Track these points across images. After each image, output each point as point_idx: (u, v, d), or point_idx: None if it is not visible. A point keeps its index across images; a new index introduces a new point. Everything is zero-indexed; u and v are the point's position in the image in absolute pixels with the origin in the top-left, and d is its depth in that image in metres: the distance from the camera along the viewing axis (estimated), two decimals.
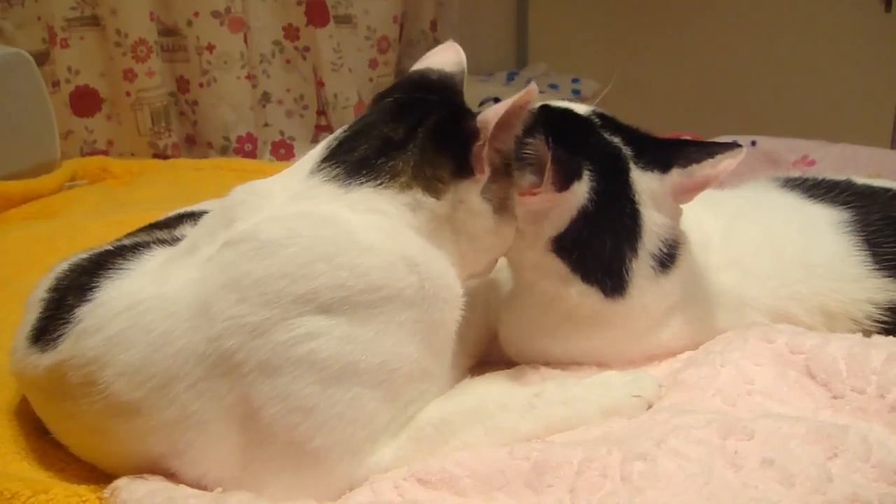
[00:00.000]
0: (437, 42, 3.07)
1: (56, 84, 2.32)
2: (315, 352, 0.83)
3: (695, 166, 1.00)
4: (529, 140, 0.98)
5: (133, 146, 2.47)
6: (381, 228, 0.88)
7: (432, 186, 0.91)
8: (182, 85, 2.58)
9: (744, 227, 1.12)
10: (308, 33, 2.68)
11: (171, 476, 0.87)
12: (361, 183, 0.89)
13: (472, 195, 0.93)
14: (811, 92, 2.88)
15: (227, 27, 2.52)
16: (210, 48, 2.52)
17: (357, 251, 0.86)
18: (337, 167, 0.91)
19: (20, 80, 1.88)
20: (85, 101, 2.42)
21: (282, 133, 2.75)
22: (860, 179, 1.22)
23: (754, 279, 1.08)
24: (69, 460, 0.93)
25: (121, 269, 0.93)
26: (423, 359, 0.88)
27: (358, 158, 0.91)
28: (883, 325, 1.04)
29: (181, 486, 0.86)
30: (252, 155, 2.61)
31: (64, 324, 0.89)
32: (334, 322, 0.84)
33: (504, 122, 0.90)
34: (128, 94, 2.42)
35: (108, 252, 0.99)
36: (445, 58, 1.06)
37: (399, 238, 0.89)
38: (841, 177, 1.22)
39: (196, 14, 2.50)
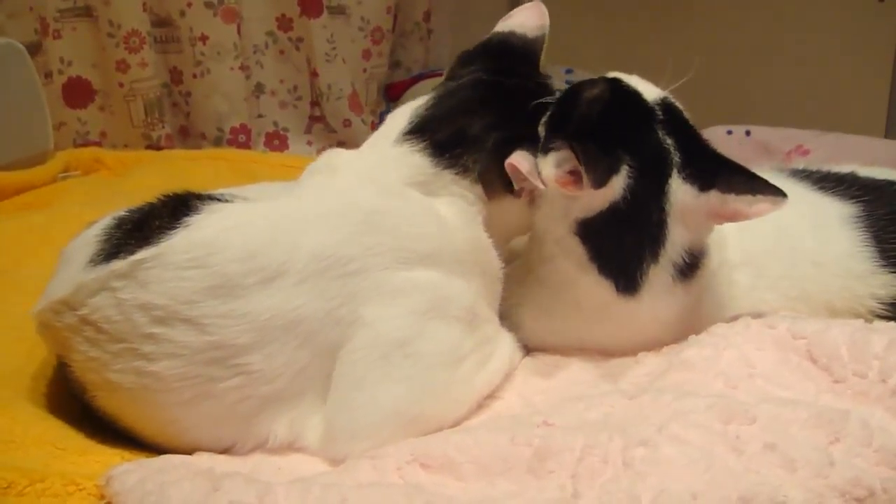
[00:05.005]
0: (430, 33, 3.07)
1: (48, 75, 2.31)
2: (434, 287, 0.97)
3: (732, 196, 0.97)
4: (562, 142, 0.97)
5: (126, 137, 2.46)
6: (461, 212, 1.02)
7: (489, 191, 1.04)
8: (175, 76, 2.56)
9: (759, 223, 1.11)
10: (302, 24, 2.66)
11: (239, 373, 0.89)
12: (444, 167, 1.02)
13: (514, 205, 1.06)
14: (805, 82, 2.88)
15: (220, 18, 2.50)
16: (203, 39, 2.50)
17: (449, 226, 1.01)
18: (423, 141, 1.03)
19: (12, 71, 1.86)
20: (77, 93, 2.40)
21: (275, 124, 2.73)
22: (864, 171, 1.20)
23: (768, 279, 1.08)
24: (65, 446, 0.92)
25: (212, 201, 0.95)
26: (489, 313, 1.04)
27: (440, 140, 1.03)
28: (884, 321, 1.03)
29: (174, 469, 0.84)
30: (246, 146, 2.60)
31: (158, 232, 0.90)
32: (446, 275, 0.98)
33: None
34: (121, 85, 2.40)
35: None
36: (529, 20, 1.17)
37: (471, 221, 1.03)
38: (846, 169, 1.20)
39: (189, 5, 2.48)
